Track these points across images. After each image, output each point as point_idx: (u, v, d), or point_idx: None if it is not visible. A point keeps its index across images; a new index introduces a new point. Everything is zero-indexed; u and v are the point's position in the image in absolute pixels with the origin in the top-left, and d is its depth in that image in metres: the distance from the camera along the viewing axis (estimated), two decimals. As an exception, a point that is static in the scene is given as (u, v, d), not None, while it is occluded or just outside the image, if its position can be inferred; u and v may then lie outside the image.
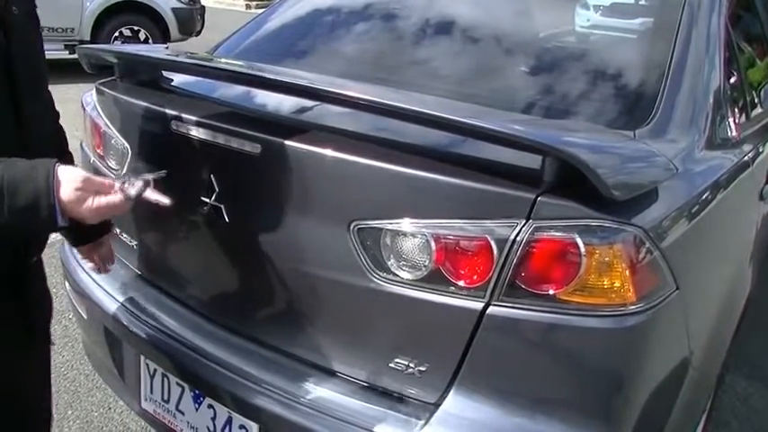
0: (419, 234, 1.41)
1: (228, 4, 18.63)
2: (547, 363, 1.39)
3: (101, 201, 1.18)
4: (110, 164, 1.99)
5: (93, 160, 2.08)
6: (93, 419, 2.50)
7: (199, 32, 8.66)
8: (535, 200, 1.32)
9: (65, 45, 7.33)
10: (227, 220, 1.64)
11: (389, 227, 1.43)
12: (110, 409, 2.55)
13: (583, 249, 1.32)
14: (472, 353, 1.40)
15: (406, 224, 1.42)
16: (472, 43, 2.20)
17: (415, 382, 1.47)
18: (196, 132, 1.66)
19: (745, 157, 2.02)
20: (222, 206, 1.64)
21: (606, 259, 1.34)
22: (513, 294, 1.36)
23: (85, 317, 2.04)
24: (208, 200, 1.65)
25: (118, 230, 1.97)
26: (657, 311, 1.40)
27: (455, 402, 1.43)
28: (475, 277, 1.38)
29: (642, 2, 2.78)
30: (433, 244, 1.40)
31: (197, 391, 1.70)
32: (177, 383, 1.74)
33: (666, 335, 1.50)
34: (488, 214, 1.36)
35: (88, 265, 1.86)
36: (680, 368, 1.60)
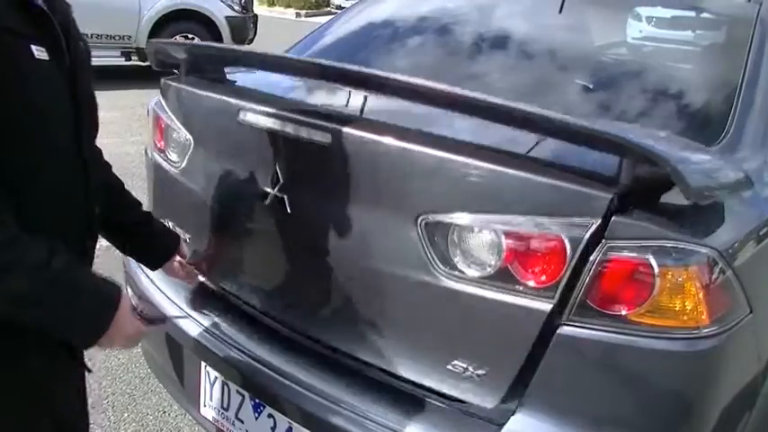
0: (489, 229, 1.39)
1: (279, 13, 19.04)
2: (615, 384, 1.37)
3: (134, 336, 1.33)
4: (170, 157, 2.02)
5: (155, 156, 2.11)
6: (149, 423, 2.54)
7: (251, 40, 8.80)
8: (611, 200, 1.29)
9: (121, 52, 7.51)
10: (289, 211, 1.63)
11: (458, 221, 1.41)
12: (164, 412, 2.59)
13: (657, 270, 1.30)
14: (540, 371, 1.38)
15: (475, 219, 1.39)
16: (529, 58, 2.19)
17: (473, 386, 1.43)
18: (264, 122, 1.66)
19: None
20: (285, 197, 1.63)
21: (680, 281, 1.31)
22: (584, 314, 1.34)
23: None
24: (271, 190, 1.65)
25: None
26: (730, 335, 1.37)
27: (520, 422, 1.41)
28: (544, 277, 1.35)
29: (705, 15, 2.73)
30: (503, 240, 1.37)
31: (257, 401, 1.71)
32: (237, 392, 1.75)
33: (738, 359, 1.46)
34: (562, 212, 1.33)
35: (177, 278, 1.86)
36: (749, 394, 1.56)
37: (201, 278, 2.01)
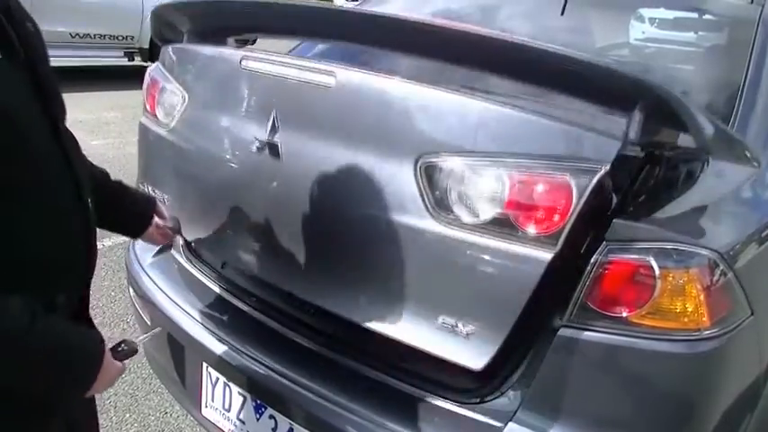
0: (493, 172, 1.33)
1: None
2: (617, 386, 1.37)
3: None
4: (161, 118, 1.97)
5: (144, 122, 2.10)
6: (151, 423, 2.54)
7: (254, 42, 8.79)
8: (622, 147, 1.25)
9: (124, 52, 7.51)
10: (284, 158, 1.59)
11: (458, 164, 1.36)
12: (166, 413, 2.59)
13: (657, 272, 1.30)
14: (541, 373, 1.38)
15: (477, 162, 1.34)
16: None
17: (460, 345, 1.36)
18: (267, 68, 1.64)
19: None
20: (280, 143, 1.59)
21: (681, 283, 1.31)
22: (584, 316, 1.35)
23: (149, 323, 2.08)
24: (266, 138, 1.60)
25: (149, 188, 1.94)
26: (732, 337, 1.37)
27: (521, 424, 1.41)
28: (546, 225, 1.30)
29: (708, 17, 2.73)
30: (506, 183, 1.31)
31: (259, 402, 1.71)
32: (239, 393, 1.75)
33: (739, 361, 1.46)
34: (570, 156, 1.28)
35: (155, 242, 1.80)
36: (751, 396, 1.56)
37: (202, 278, 2.02)
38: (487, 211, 1.34)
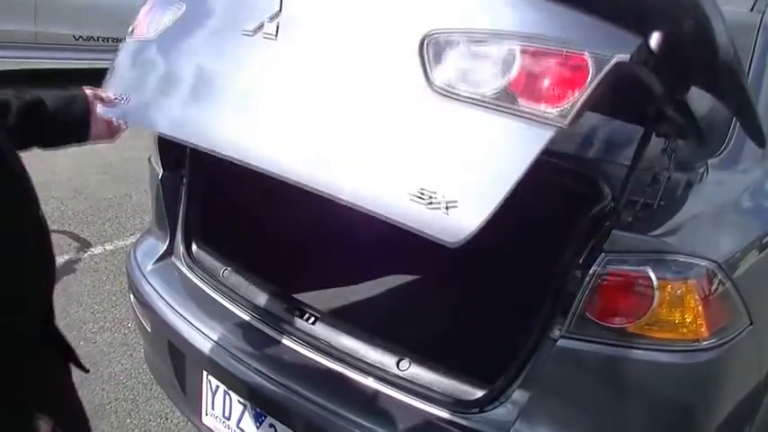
0: (504, 45, 1.22)
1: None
2: (616, 397, 1.38)
3: None
4: (149, 30, 1.78)
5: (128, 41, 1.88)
6: (151, 429, 2.55)
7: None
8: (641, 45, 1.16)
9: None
10: (281, 40, 1.45)
11: (466, 36, 1.25)
12: (167, 419, 2.60)
13: (656, 283, 1.30)
14: (540, 383, 1.39)
15: (487, 37, 1.24)
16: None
17: (438, 218, 1.18)
18: None
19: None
20: (278, 24, 1.46)
21: (679, 294, 1.32)
22: (584, 327, 1.35)
23: (149, 329, 2.08)
24: (268, 22, 1.47)
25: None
26: (731, 347, 1.37)
27: (520, 434, 1.42)
28: (556, 100, 1.16)
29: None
30: (517, 56, 1.20)
31: (258, 410, 1.72)
32: (239, 401, 1.76)
33: (739, 371, 1.47)
34: (588, 41, 1.17)
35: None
36: (751, 405, 1.56)
37: (203, 285, 2.02)
38: (495, 85, 1.21)
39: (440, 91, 1.23)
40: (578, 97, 1.13)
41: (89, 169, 4.92)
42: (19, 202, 1.18)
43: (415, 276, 2.52)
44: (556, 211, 1.45)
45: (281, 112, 1.44)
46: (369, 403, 1.58)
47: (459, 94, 1.22)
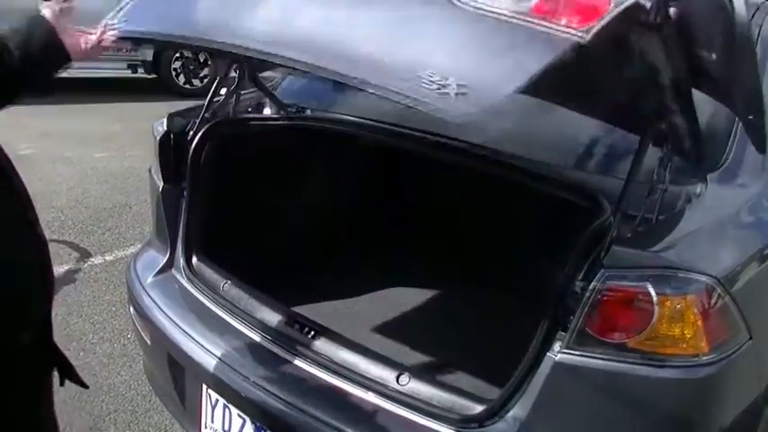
0: None
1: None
2: (616, 412, 1.38)
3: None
4: None
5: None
6: (151, 441, 2.55)
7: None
8: None
9: (128, 65, 7.56)
10: None
11: None
12: (166, 431, 2.59)
13: (655, 299, 1.31)
14: (539, 398, 1.39)
15: None
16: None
17: (445, 102, 1.14)
18: None
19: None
20: None
21: (679, 309, 1.32)
22: (583, 342, 1.35)
23: (149, 342, 2.08)
24: None
25: None
26: (730, 362, 1.38)
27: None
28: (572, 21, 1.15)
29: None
30: None
31: (258, 424, 1.71)
32: (239, 415, 1.76)
33: (739, 385, 1.47)
34: None
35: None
36: (751, 420, 1.56)
37: (203, 298, 2.02)
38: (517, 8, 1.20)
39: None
40: (597, 23, 1.12)
41: (89, 179, 4.93)
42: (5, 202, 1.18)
43: (416, 290, 2.52)
44: (555, 225, 1.45)
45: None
46: (368, 418, 1.58)
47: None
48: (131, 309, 2.20)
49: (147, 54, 7.55)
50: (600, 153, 1.84)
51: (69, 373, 1.36)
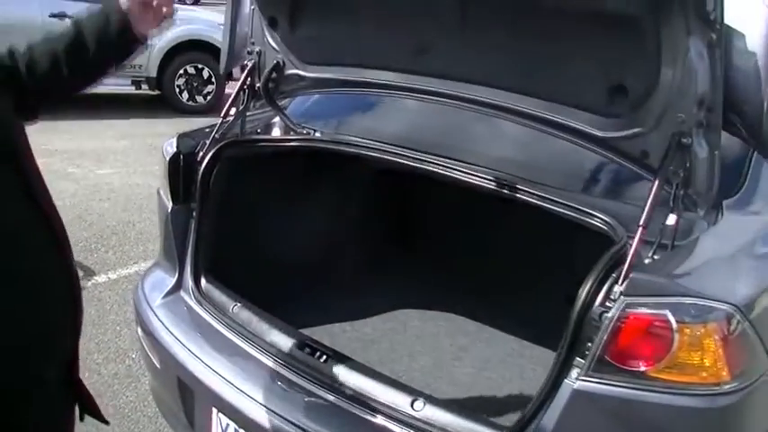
0: None
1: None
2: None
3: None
4: None
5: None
6: (156, 463, 2.52)
7: (259, 71, 8.83)
8: None
9: (132, 81, 7.56)
10: None
11: None
12: (172, 453, 2.57)
13: (675, 327, 1.30)
14: (558, 426, 1.37)
15: None
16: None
17: None
18: None
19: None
20: None
21: (698, 337, 1.31)
22: (602, 370, 1.34)
23: (157, 365, 2.06)
24: None
25: None
26: (752, 390, 1.36)
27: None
28: None
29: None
30: None
31: (269, 449, 1.70)
32: (250, 439, 1.74)
33: (760, 414, 1.45)
34: None
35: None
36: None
37: (212, 320, 2.00)
38: None
39: None
40: None
41: (92, 195, 4.92)
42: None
43: (428, 312, 2.50)
44: (571, 250, 1.44)
45: None
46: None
47: None
48: (139, 330, 2.18)
49: (152, 70, 7.56)
50: (609, 177, 1.83)
51: (91, 409, 1.34)
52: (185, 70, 7.79)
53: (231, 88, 8.51)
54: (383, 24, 1.79)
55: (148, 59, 7.55)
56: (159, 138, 2.28)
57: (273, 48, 2.09)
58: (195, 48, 7.81)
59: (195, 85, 7.87)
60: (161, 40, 7.42)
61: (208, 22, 7.82)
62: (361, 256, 2.64)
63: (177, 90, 7.83)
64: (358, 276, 2.56)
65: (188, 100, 7.90)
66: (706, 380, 1.32)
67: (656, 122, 1.48)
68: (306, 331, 2.13)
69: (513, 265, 2.58)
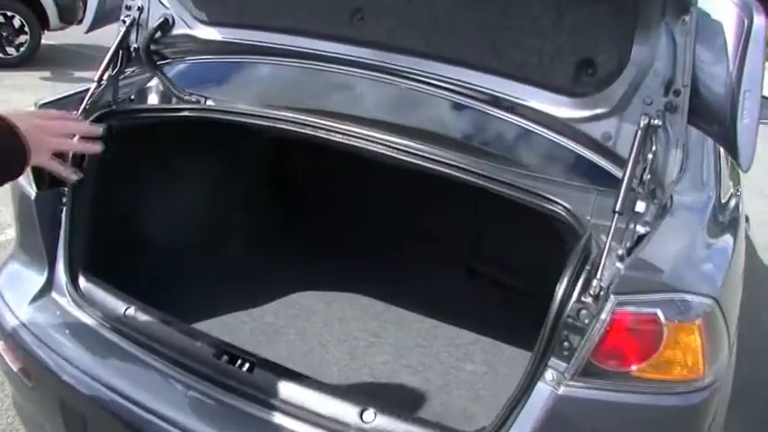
0: None
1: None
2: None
3: None
4: None
5: None
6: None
7: (80, 21, 7.96)
8: None
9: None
10: None
11: None
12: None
13: (664, 323, 1.23)
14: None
15: None
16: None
17: None
18: None
19: None
20: None
21: (685, 333, 1.25)
22: (588, 374, 1.24)
23: (28, 384, 1.72)
24: None
25: None
26: (720, 384, 1.34)
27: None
28: None
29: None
30: None
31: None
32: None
33: (720, 406, 1.44)
34: None
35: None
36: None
37: (96, 326, 1.69)
38: None
39: None
40: None
41: None
42: None
43: (329, 294, 2.33)
44: (542, 242, 1.33)
45: None
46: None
47: None
48: (1, 343, 1.80)
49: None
50: (558, 158, 1.73)
51: None
52: (-6, 17, 6.87)
53: (50, 38, 7.70)
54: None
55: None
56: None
57: (161, 1, 1.77)
58: (7, -6, 6.89)
59: (6, 35, 6.96)
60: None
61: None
62: (252, 233, 2.41)
63: (-15, 40, 6.90)
64: (250, 255, 2.33)
65: (-3, 50, 6.99)
66: (686, 376, 1.27)
67: (621, 104, 1.39)
68: (202, 326, 1.89)
69: (413, 238, 2.47)
